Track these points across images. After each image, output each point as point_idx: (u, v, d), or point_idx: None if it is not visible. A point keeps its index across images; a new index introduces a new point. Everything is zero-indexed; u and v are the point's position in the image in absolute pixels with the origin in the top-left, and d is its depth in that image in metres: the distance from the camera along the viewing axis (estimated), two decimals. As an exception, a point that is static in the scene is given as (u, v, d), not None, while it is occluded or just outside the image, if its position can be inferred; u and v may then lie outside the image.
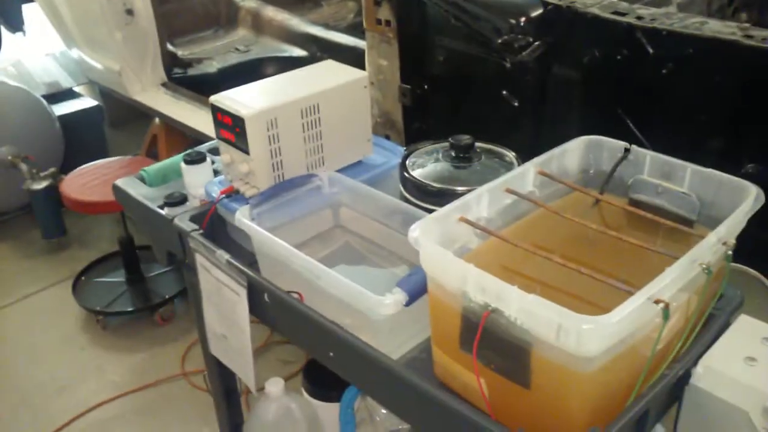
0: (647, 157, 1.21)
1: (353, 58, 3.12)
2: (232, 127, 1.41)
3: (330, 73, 1.57)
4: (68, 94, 3.84)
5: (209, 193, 1.50)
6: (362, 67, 2.14)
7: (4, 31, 4.08)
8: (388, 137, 2.13)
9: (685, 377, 0.99)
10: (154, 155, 3.40)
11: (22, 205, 3.37)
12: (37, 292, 3.00)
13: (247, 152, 1.40)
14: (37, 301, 2.96)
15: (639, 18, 1.61)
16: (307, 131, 1.46)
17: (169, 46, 3.35)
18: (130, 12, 3.03)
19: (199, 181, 1.54)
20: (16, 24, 4.01)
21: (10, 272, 3.16)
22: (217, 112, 1.43)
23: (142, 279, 2.89)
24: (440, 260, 0.96)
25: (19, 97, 3.28)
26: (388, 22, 2.00)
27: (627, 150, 1.23)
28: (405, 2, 1.95)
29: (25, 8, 3.99)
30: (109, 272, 2.98)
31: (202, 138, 2.87)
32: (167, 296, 2.80)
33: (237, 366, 1.45)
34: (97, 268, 3.03)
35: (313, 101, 1.45)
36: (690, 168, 1.15)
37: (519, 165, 1.38)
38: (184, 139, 3.20)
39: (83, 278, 2.96)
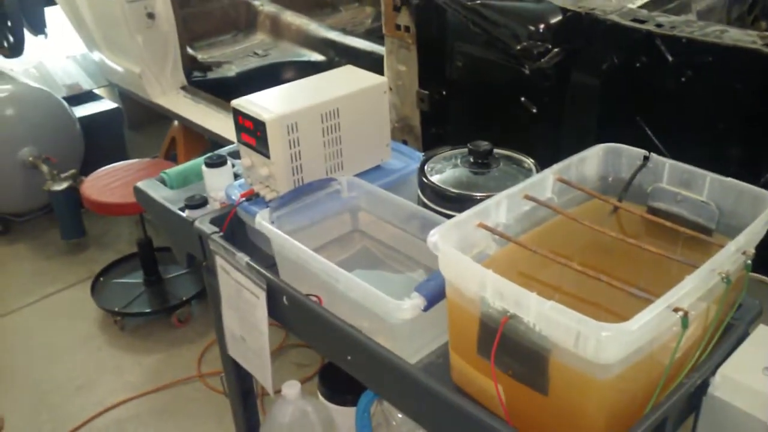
0: (666, 166, 1.21)
1: (371, 63, 3.15)
2: (253, 131, 1.42)
3: (350, 79, 1.58)
4: (88, 96, 3.89)
5: (229, 196, 1.51)
6: (380, 72, 2.16)
7: (26, 33, 4.13)
8: (405, 142, 2.14)
9: (703, 386, 0.99)
10: (172, 158, 3.44)
11: (42, 206, 3.40)
12: (56, 293, 3.04)
13: (267, 156, 1.41)
14: (56, 301, 3.00)
15: (658, 26, 1.61)
16: (327, 136, 1.47)
17: (189, 50, 3.38)
18: (151, 15, 3.07)
19: (220, 184, 1.56)
20: (38, 27, 4.04)
21: (30, 272, 3.20)
22: (239, 116, 1.45)
23: (159, 280, 2.92)
24: (459, 265, 0.97)
25: (40, 98, 3.33)
26: (407, 28, 2.01)
27: (646, 158, 1.23)
28: (424, 8, 1.96)
29: (48, 11, 4.04)
30: (127, 273, 3.01)
31: (220, 141, 2.90)
32: (184, 298, 2.82)
33: (254, 368, 1.47)
34: (115, 269, 3.06)
35: (333, 106, 1.46)
36: (709, 177, 1.14)
37: (537, 172, 1.38)
38: (203, 141, 3.23)
39: (102, 279, 2.99)
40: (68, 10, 3.58)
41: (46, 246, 3.36)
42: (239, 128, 1.47)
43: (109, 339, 2.78)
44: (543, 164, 1.46)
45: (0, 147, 3.16)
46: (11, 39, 3.59)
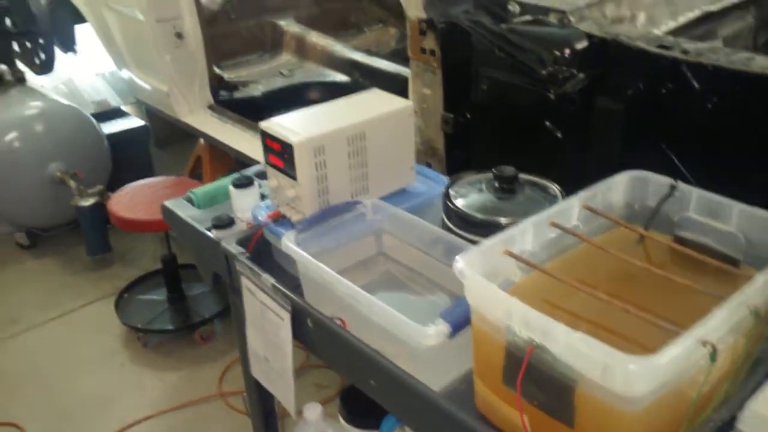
0: (693, 195, 1.20)
1: (395, 84, 3.18)
2: (281, 153, 1.44)
3: (376, 102, 1.60)
4: (116, 113, 3.95)
5: (256, 216, 1.53)
6: (403, 93, 2.17)
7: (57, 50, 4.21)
8: (429, 165, 2.15)
9: (730, 422, 0.98)
10: (198, 175, 3.48)
11: (68, 221, 3.45)
12: (81, 308, 3.07)
13: (294, 178, 1.43)
14: (80, 316, 3.03)
15: (684, 52, 1.60)
16: (353, 158, 1.49)
17: (216, 69, 3.42)
18: (179, 35, 3.11)
19: (247, 205, 1.58)
20: (68, 44, 4.13)
21: (55, 287, 3.24)
22: (267, 138, 1.47)
23: (183, 298, 2.94)
24: (485, 293, 0.97)
25: (70, 115, 3.38)
26: (432, 52, 2.03)
27: (673, 187, 1.22)
28: (450, 32, 1.97)
29: (78, 28, 4.12)
30: (150, 290, 3.04)
31: (246, 160, 2.93)
32: (207, 316, 2.84)
33: (277, 389, 1.47)
34: (139, 285, 3.09)
35: (360, 129, 1.48)
36: (738, 207, 1.14)
37: (562, 198, 1.39)
38: (228, 160, 3.26)
39: (126, 295, 3.02)
40: (98, 28, 3.64)
41: (72, 261, 3.41)
42: (267, 150, 1.48)
43: (131, 355, 2.81)
44: (568, 189, 1.46)
45: (29, 162, 3.21)
46: (42, 56, 3.67)
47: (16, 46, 3.67)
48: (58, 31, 3.94)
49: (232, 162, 3.23)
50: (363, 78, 3.43)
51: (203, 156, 3.45)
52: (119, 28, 3.41)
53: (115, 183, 3.37)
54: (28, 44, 3.67)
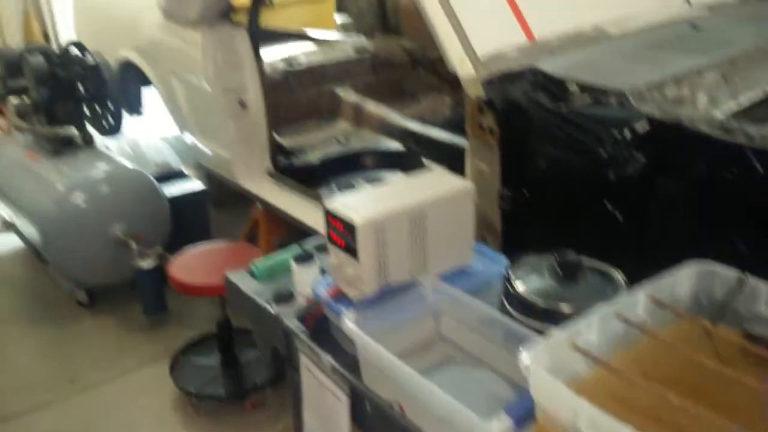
0: (763, 289, 1.18)
1: (447, 152, 3.22)
2: (343, 233, 1.46)
3: (437, 183, 1.62)
4: (177, 175, 4.05)
5: (316, 293, 1.55)
6: (457, 161, 2.20)
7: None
8: (484, 239, 2.15)
9: None
10: (254, 238, 3.54)
11: (127, 281, 3.53)
12: (136, 369, 3.11)
13: (355, 257, 1.45)
14: (134, 377, 3.07)
15: (748, 137, 1.59)
16: (413, 238, 1.50)
17: (276, 136, 3.51)
18: (243, 104, 3.22)
19: (307, 280, 1.60)
20: (135, 107, 4.31)
21: (112, 346, 3.30)
22: (330, 217, 1.49)
23: (235, 363, 2.96)
24: (552, 391, 0.96)
25: (134, 178, 3.49)
26: (490, 129, 2.05)
27: (741, 281, 1.20)
28: (508, 111, 2.00)
29: (144, 91, 4.29)
30: (204, 353, 3.07)
31: (302, 227, 2.98)
32: (259, 383, 2.85)
33: (332, 469, 1.46)
34: (193, 348, 3.12)
35: (421, 210, 1.50)
36: (812, 304, 1.11)
37: (626, 286, 1.37)
38: (284, 225, 3.32)
39: (180, 358, 3.06)
40: (164, 93, 3.79)
41: (129, 320, 3.47)
42: (329, 228, 1.51)
43: (183, 420, 2.82)
44: (628, 271, 1.44)
45: (94, 222, 3.32)
46: (111, 120, 3.83)
47: (86, 110, 3.84)
48: (126, 95, 4.12)
49: (287, 227, 3.28)
50: (417, 146, 3.48)
51: (260, 219, 3.52)
52: (185, 94, 3.54)
53: (173, 243, 3.45)
54: (98, 108, 3.83)
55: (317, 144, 3.69)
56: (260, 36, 3.25)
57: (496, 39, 2.15)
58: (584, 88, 1.90)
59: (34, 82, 3.48)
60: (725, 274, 1.24)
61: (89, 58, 3.60)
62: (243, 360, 2.98)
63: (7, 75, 3.66)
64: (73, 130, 3.50)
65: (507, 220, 2.11)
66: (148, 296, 3.35)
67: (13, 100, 3.62)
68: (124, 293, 3.58)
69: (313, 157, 3.55)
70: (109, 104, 3.77)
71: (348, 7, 4.58)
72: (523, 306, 1.35)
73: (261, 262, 1.77)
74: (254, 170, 3.35)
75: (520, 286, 1.38)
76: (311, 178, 3.38)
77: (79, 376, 3.10)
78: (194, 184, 3.92)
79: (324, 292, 1.51)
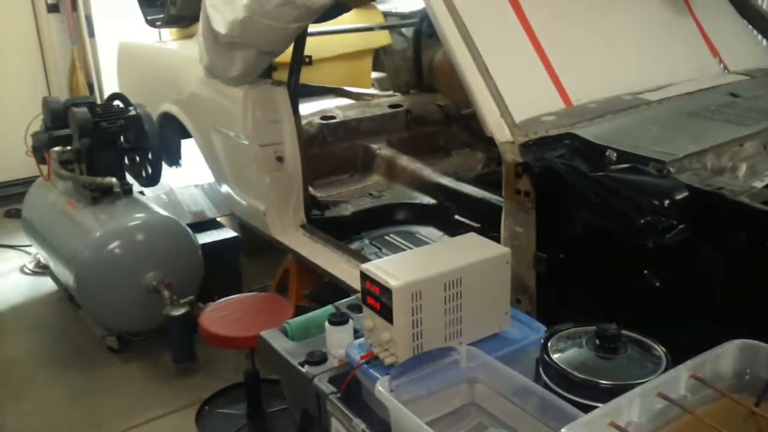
0: (810, 370, 1.15)
1: (479, 208, 3.22)
2: (379, 296, 1.46)
3: (473, 247, 1.62)
4: (211, 224, 4.10)
5: (350, 356, 1.54)
6: (488, 217, 2.20)
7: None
8: (519, 301, 2.13)
9: None
10: (284, 287, 3.55)
11: (157, 328, 3.54)
12: (162, 416, 3.10)
13: (390, 321, 1.45)
14: (161, 425, 3.06)
15: (790, 209, 1.57)
16: (449, 303, 1.50)
17: (310, 188, 3.55)
18: (280, 159, 3.27)
19: (341, 342, 1.60)
20: (174, 159, 4.40)
21: (139, 393, 3.30)
22: (366, 281, 1.50)
23: (262, 415, 2.94)
24: (592, 474, 0.94)
25: (169, 227, 3.53)
26: (526, 193, 2.05)
27: (787, 360, 1.18)
28: (545, 175, 2.00)
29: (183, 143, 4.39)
30: (231, 403, 3.06)
31: (333, 280, 2.98)
32: (285, 436, 2.83)
33: None
34: (220, 397, 3.12)
35: (457, 275, 1.50)
36: None
37: (666, 359, 1.35)
38: (315, 276, 3.33)
39: (207, 408, 3.05)
40: (203, 146, 3.87)
41: (157, 367, 3.48)
42: (365, 292, 1.51)
43: (208, 471, 2.80)
44: (667, 341, 1.42)
45: (128, 270, 3.35)
46: (150, 170, 3.91)
47: (126, 160, 3.93)
48: (166, 147, 4.22)
49: (318, 278, 3.29)
50: (449, 201, 3.49)
51: (291, 270, 3.54)
52: (223, 147, 3.61)
53: (204, 289, 3.48)
54: (138, 159, 3.92)
55: (350, 197, 3.72)
56: (299, 92, 3.32)
57: (534, 104, 2.17)
58: (622, 155, 1.90)
59: (77, 133, 3.58)
60: (769, 352, 1.21)
61: (131, 110, 3.70)
62: (269, 411, 2.96)
63: (52, 125, 3.77)
64: (112, 180, 3.57)
65: (542, 283, 2.10)
66: (177, 344, 3.36)
67: (56, 148, 3.72)
68: (154, 340, 3.60)
69: (346, 210, 3.57)
70: (150, 155, 3.86)
71: (384, 65, 4.66)
72: (559, 377, 1.33)
73: (294, 321, 1.77)
74: (288, 223, 3.37)
75: (557, 357, 1.36)
76: (344, 231, 3.39)
77: (106, 422, 3.10)
78: (227, 233, 3.96)
79: (357, 356, 1.51)
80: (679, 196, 1.74)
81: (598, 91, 2.31)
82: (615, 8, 2.68)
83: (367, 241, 3.42)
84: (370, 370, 1.47)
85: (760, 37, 3.23)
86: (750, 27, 3.15)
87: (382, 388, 1.34)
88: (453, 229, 3.29)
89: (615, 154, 1.90)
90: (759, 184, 1.87)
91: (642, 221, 1.76)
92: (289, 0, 2.73)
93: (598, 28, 2.58)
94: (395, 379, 1.38)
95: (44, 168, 3.88)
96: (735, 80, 2.64)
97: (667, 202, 1.74)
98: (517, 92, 2.15)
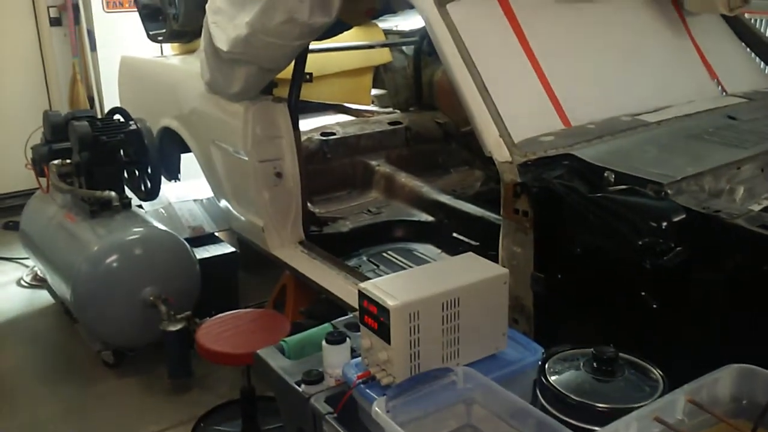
0: (807, 396, 1.15)
1: (477, 225, 3.22)
2: (377, 316, 1.47)
3: (471, 268, 1.63)
4: (209, 239, 4.09)
5: (347, 375, 1.54)
6: (486, 234, 2.20)
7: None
8: (516, 321, 2.13)
9: None
10: (281, 303, 3.54)
11: (153, 343, 3.52)
12: (157, 432, 3.10)
13: (388, 341, 1.45)
14: (156, 442, 3.05)
15: (789, 233, 1.58)
16: (446, 324, 1.50)
17: (308, 205, 3.55)
18: (279, 175, 3.28)
19: (338, 361, 1.60)
20: (173, 173, 4.40)
21: (135, 408, 3.28)
22: (364, 300, 1.50)
23: (257, 431, 2.93)
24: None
25: (167, 242, 3.53)
26: (525, 213, 2.06)
27: (785, 386, 1.18)
28: (544, 195, 2.01)
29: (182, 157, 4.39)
30: (226, 420, 3.04)
31: (331, 297, 2.97)
32: (280, 453, 2.81)
33: None
34: (216, 414, 3.10)
35: (455, 295, 1.50)
36: None
37: (663, 383, 1.35)
38: (312, 293, 3.32)
39: (202, 424, 3.03)
40: (202, 160, 3.87)
41: (153, 382, 3.46)
42: (363, 311, 1.52)
43: (202, 487, 2.78)
44: (662, 363, 1.41)
45: (126, 285, 3.34)
46: (149, 184, 3.91)
47: (125, 174, 3.92)
48: (165, 161, 4.22)
49: (315, 294, 3.28)
50: (447, 219, 3.50)
51: (288, 286, 3.53)
52: (222, 163, 3.61)
53: (201, 303, 3.46)
54: (137, 173, 3.92)
55: (349, 213, 3.72)
56: (299, 109, 3.33)
57: (533, 124, 2.18)
58: (620, 176, 1.91)
59: (77, 146, 3.58)
60: (766, 376, 1.21)
61: (132, 125, 3.71)
62: (264, 428, 2.94)
63: (52, 138, 3.77)
64: (111, 194, 3.57)
65: (540, 303, 2.10)
66: (173, 360, 3.34)
67: (56, 161, 3.72)
68: (150, 355, 3.58)
69: (345, 226, 3.57)
70: (149, 169, 3.86)
71: (384, 82, 4.68)
72: (556, 399, 1.33)
73: (291, 339, 1.77)
74: (286, 239, 3.37)
75: (554, 379, 1.36)
76: (342, 248, 3.39)
77: (100, 439, 3.08)
78: (225, 248, 3.95)
79: (354, 375, 1.51)
80: (676, 218, 1.75)
81: (596, 113, 2.32)
82: (614, 30, 2.70)
83: (365, 258, 3.42)
84: (367, 391, 1.47)
85: (758, 59, 3.25)
86: (748, 50, 3.17)
87: (378, 408, 1.34)
88: (451, 247, 3.29)
89: (613, 176, 1.91)
90: (756, 207, 1.88)
91: (639, 243, 1.76)
92: (292, 18, 2.75)
93: (598, 50, 2.60)
94: (392, 399, 1.38)
95: (43, 181, 3.88)
96: (733, 103, 2.66)
97: (664, 224, 1.75)
98: (516, 112, 2.16)
